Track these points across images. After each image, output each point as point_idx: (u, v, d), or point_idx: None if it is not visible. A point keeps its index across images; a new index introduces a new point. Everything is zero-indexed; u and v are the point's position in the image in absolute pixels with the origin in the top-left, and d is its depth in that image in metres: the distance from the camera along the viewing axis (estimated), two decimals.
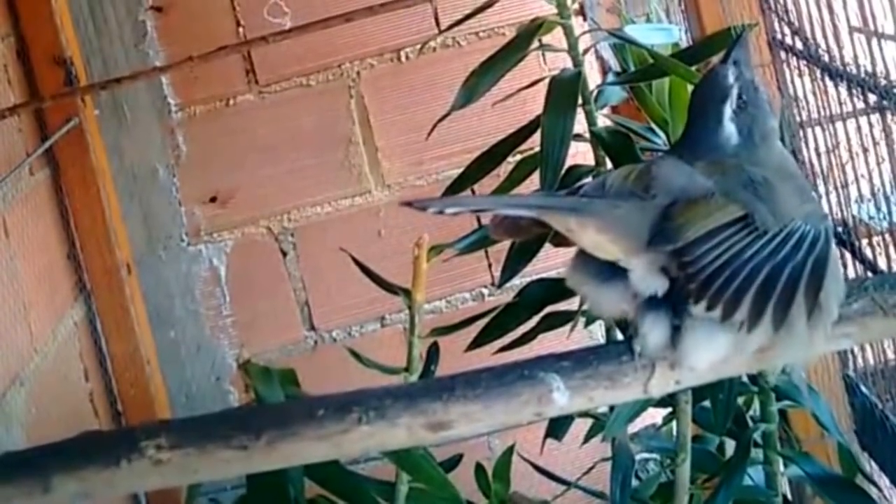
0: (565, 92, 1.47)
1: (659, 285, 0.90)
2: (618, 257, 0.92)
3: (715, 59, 1.62)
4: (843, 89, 1.60)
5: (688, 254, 0.87)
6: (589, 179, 1.53)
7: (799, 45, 1.75)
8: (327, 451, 0.96)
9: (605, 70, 2.12)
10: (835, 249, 0.95)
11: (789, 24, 1.78)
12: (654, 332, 0.91)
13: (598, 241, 0.92)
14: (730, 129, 1.02)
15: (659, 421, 1.72)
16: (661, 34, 1.71)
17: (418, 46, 2.19)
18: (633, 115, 1.70)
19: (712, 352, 0.91)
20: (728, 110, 1.03)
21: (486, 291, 2.25)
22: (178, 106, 2.19)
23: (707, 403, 1.47)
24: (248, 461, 0.95)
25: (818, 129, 1.73)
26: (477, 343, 1.53)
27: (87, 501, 0.96)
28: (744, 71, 1.05)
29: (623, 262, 0.92)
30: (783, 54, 1.83)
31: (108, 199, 2.05)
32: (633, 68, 1.66)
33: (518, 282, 1.57)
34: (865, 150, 1.57)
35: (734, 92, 1.03)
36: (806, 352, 0.95)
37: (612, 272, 0.93)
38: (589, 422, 1.61)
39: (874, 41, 1.48)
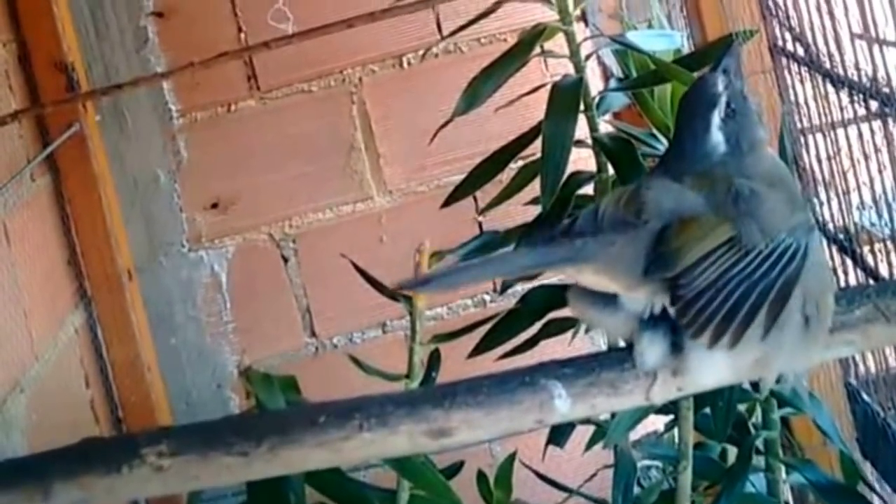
0: (567, 98, 1.47)
1: (657, 307, 0.91)
2: (617, 292, 0.93)
3: None
4: (844, 96, 1.60)
5: (680, 284, 0.89)
6: (590, 182, 1.53)
7: (800, 51, 1.75)
8: (328, 458, 0.96)
9: (606, 76, 2.12)
10: (824, 256, 0.96)
11: (791, 30, 1.78)
12: (652, 349, 0.92)
13: (596, 282, 0.94)
14: (717, 137, 1.02)
15: (661, 428, 1.73)
16: (662, 40, 1.71)
17: (420, 52, 2.19)
18: (635, 121, 1.70)
19: (714, 369, 0.92)
20: (716, 118, 1.02)
21: (487, 298, 2.24)
22: (179, 112, 2.19)
23: (709, 411, 1.47)
24: (249, 468, 0.95)
25: (819, 136, 1.73)
26: (479, 350, 1.52)
27: None
28: (733, 80, 1.04)
29: (622, 296, 0.92)
30: (784, 60, 1.83)
31: (109, 205, 2.05)
32: (635, 74, 1.66)
33: (520, 288, 1.57)
34: (867, 157, 1.57)
35: (723, 100, 1.03)
36: (801, 362, 0.98)
37: (613, 298, 0.95)
38: (591, 429, 1.61)
39: (875, 48, 1.48)
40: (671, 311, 0.90)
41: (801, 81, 1.77)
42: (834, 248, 1.73)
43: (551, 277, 1.71)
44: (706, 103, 1.03)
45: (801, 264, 0.91)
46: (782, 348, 0.91)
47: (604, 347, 1.95)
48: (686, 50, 1.89)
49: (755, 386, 1.50)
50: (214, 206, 2.21)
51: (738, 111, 1.03)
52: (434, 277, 0.95)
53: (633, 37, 1.62)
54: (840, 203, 1.70)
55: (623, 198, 0.98)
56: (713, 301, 0.87)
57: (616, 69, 1.82)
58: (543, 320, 1.54)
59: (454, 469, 1.55)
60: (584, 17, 1.96)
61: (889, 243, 1.58)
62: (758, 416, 1.54)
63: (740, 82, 1.05)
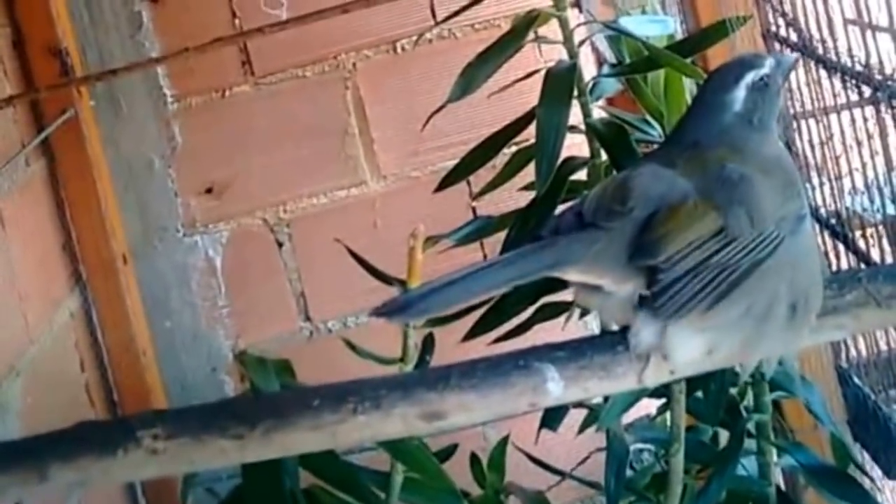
0: (560, 84, 1.47)
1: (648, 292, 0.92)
2: (606, 287, 0.93)
3: (710, 52, 1.64)
4: (837, 81, 1.61)
5: (661, 269, 0.90)
6: (584, 168, 1.54)
7: (793, 36, 1.76)
8: (323, 441, 0.96)
9: (600, 62, 2.12)
10: (813, 243, 0.97)
11: (784, 15, 1.79)
12: (647, 330, 0.92)
13: (584, 280, 0.94)
14: (741, 93, 1.03)
15: (653, 411, 1.73)
16: (656, 26, 1.71)
17: (414, 38, 2.19)
18: (629, 106, 1.70)
19: (690, 350, 0.93)
20: (750, 77, 1.03)
21: None
22: (173, 97, 2.19)
23: (701, 394, 1.48)
24: (244, 451, 0.95)
25: (812, 121, 1.74)
26: (472, 333, 1.53)
27: (83, 490, 0.96)
28: (779, 74, 1.06)
29: (610, 289, 0.93)
30: (777, 46, 1.84)
31: (104, 189, 2.05)
32: (628, 60, 1.66)
33: None
34: (859, 143, 1.58)
35: (764, 70, 1.04)
36: (785, 349, 1.01)
37: None
38: (584, 412, 1.61)
39: (868, 33, 1.48)
40: (646, 293, 0.90)
41: (794, 67, 1.77)
42: (826, 233, 1.74)
43: None
44: (749, 62, 1.05)
45: (772, 250, 0.92)
46: (765, 335, 0.92)
47: (597, 331, 1.96)
48: (679, 36, 1.89)
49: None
50: (209, 191, 2.21)
51: (770, 89, 1.04)
52: (412, 302, 0.90)
53: (626, 22, 1.63)
54: (832, 188, 1.70)
55: (610, 186, 0.98)
56: (687, 285, 0.89)
57: (609, 55, 1.82)
58: (537, 304, 1.54)
59: (448, 452, 1.55)
60: (577, 3, 1.96)
61: (880, 228, 1.59)
62: (749, 400, 1.55)
63: (781, 83, 1.06)
